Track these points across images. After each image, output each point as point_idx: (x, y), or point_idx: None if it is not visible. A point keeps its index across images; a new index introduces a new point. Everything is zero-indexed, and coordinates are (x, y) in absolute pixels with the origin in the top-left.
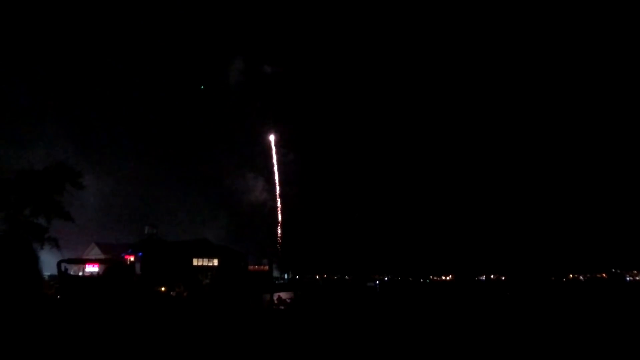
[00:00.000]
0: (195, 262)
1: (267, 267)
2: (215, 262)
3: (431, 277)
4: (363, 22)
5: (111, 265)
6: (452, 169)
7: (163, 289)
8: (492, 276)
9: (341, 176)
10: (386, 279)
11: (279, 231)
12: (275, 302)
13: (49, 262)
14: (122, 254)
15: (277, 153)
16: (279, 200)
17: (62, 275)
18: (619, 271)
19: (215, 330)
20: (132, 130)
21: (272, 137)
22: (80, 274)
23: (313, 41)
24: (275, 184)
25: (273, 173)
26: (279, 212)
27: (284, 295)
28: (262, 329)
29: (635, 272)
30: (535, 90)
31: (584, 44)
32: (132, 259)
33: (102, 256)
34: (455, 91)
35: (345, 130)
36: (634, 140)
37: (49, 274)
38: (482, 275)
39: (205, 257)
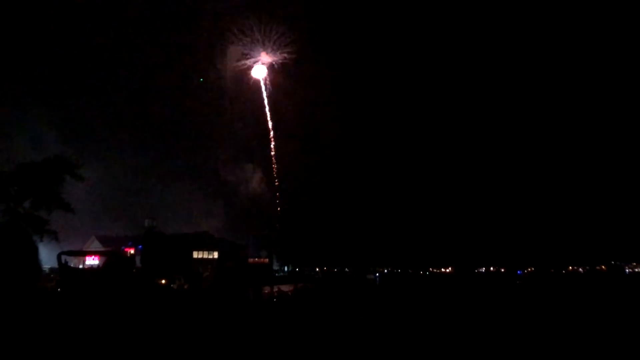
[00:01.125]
0: (195, 254)
1: (267, 260)
2: (215, 254)
3: (431, 269)
4: (363, 18)
5: (111, 257)
6: (451, 162)
7: (163, 281)
8: (491, 268)
9: (341, 168)
10: (386, 271)
11: (279, 223)
12: (275, 294)
13: (50, 256)
14: (122, 247)
15: (274, 148)
16: (277, 192)
17: (63, 267)
18: (618, 263)
19: (217, 322)
20: (131, 122)
21: (270, 124)
22: (81, 266)
23: (312, 35)
24: (274, 176)
25: (272, 163)
26: (278, 203)
27: (284, 287)
28: (263, 322)
29: (635, 264)
30: (536, 86)
31: (584, 44)
32: (132, 251)
33: (102, 249)
34: (457, 84)
35: (345, 122)
36: (632, 133)
37: (49, 267)
38: (481, 267)
39: (206, 250)
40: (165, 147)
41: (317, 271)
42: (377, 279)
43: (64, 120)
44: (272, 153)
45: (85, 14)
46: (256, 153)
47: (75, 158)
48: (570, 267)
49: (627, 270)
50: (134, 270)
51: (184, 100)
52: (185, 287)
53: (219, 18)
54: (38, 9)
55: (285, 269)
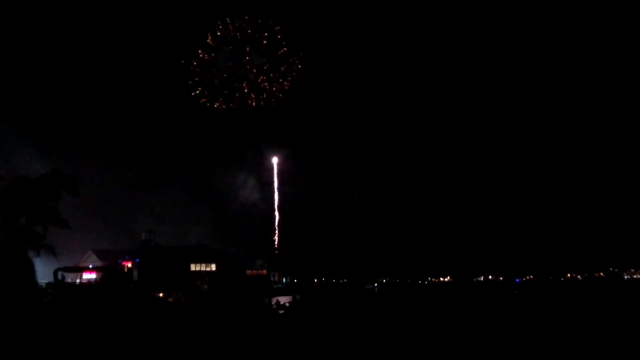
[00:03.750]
0: (193, 267)
1: (265, 272)
2: (214, 267)
3: (429, 278)
4: (363, 19)
5: (107, 273)
6: (449, 171)
7: (161, 295)
8: (490, 277)
9: (339, 178)
10: (384, 281)
11: (277, 235)
12: (274, 306)
13: (47, 271)
14: (120, 261)
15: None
16: (276, 201)
17: (59, 283)
18: (616, 270)
19: (215, 336)
20: (127, 135)
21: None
22: (78, 281)
23: (310, 35)
24: (274, 189)
25: (272, 182)
26: (277, 215)
27: (282, 299)
28: (261, 334)
29: (633, 270)
30: (535, 91)
31: (584, 44)
32: (129, 265)
33: (99, 263)
34: (453, 90)
35: (343, 131)
36: (631, 139)
37: (46, 281)
38: (480, 276)
39: (203, 262)
40: (161, 160)
41: (316, 282)
42: (376, 288)
43: (61, 137)
44: (275, 175)
45: (86, 26)
46: (250, 162)
47: (72, 175)
48: (569, 275)
49: (625, 277)
50: (131, 285)
51: (179, 113)
52: (183, 299)
53: (213, 26)
54: (38, 23)
55: (284, 280)
